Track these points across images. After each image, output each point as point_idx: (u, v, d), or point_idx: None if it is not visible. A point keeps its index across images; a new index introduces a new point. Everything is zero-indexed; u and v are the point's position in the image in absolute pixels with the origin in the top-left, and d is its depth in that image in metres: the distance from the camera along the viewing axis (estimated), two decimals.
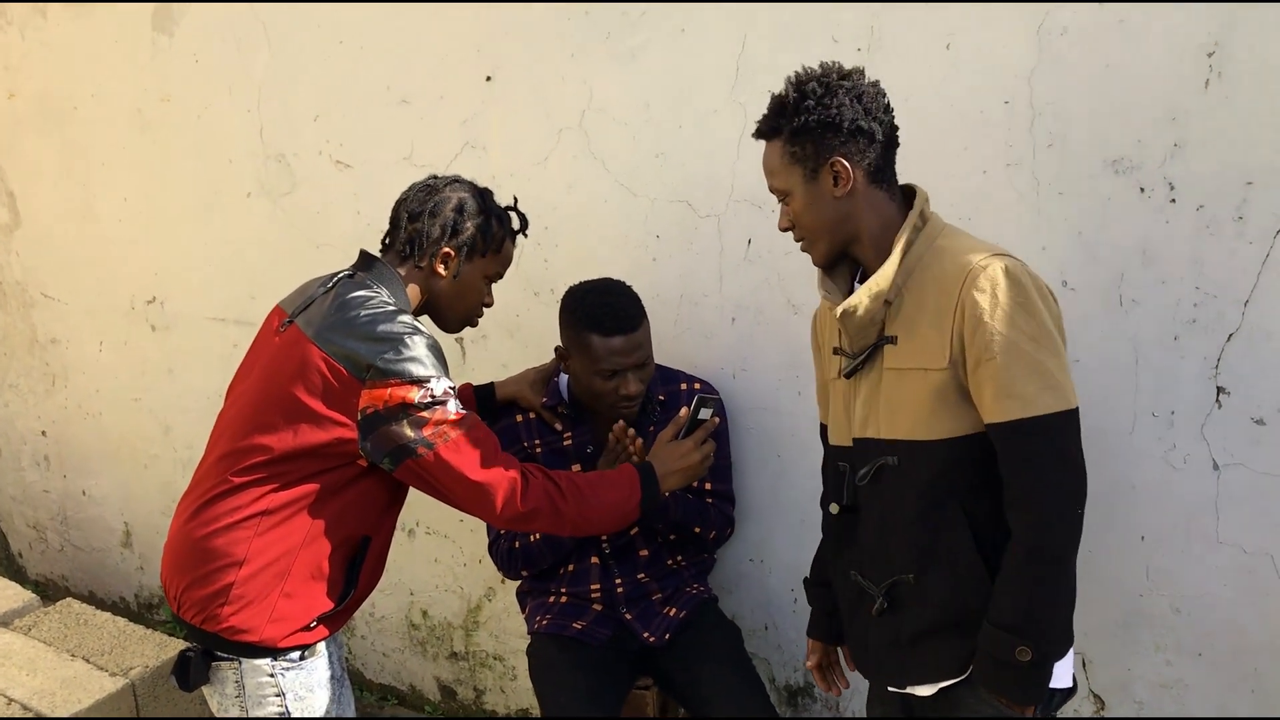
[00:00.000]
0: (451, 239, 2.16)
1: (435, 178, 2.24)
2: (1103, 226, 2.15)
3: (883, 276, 1.84)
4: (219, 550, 2.00)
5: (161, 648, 3.50)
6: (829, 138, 1.83)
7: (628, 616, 2.55)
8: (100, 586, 4.72)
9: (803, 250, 1.95)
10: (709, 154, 2.62)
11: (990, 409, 1.75)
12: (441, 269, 2.17)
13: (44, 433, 4.66)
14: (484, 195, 2.24)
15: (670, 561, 2.62)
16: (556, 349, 2.55)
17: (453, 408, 2.00)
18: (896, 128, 1.88)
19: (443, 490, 2.02)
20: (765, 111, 1.92)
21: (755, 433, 2.71)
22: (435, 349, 2.02)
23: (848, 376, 1.96)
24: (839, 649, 2.30)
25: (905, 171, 2.24)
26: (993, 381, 1.73)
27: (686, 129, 2.64)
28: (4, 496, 4.95)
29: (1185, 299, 2.09)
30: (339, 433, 1.97)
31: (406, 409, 1.95)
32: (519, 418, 2.62)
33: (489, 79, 2.94)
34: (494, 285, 2.29)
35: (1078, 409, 1.75)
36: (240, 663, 2.04)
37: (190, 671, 2.06)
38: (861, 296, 1.85)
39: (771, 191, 1.95)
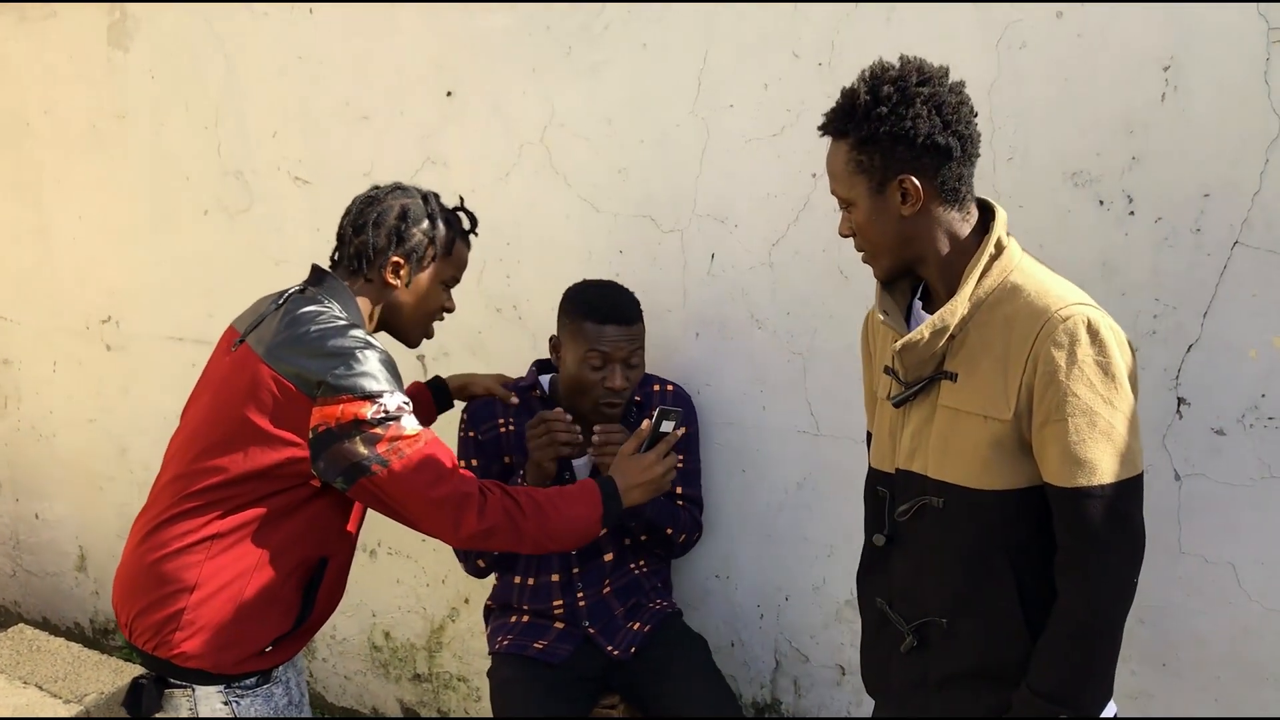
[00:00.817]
0: (399, 247, 2.12)
1: (377, 188, 2.20)
2: (1063, 239, 2.16)
3: (950, 312, 1.70)
4: (170, 575, 1.96)
5: (117, 674, 3.45)
6: (900, 151, 1.66)
7: (591, 631, 2.52)
8: (54, 612, 4.63)
9: (864, 261, 1.81)
10: (671, 169, 2.62)
11: (1055, 472, 1.65)
12: (393, 279, 2.13)
13: None
14: (428, 199, 2.19)
15: (634, 566, 2.60)
16: (551, 339, 2.53)
17: (408, 424, 1.95)
18: (978, 137, 1.74)
19: (398, 509, 1.98)
20: (835, 105, 1.74)
21: (720, 448, 2.70)
22: (388, 363, 1.98)
23: (897, 405, 1.83)
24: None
25: None
26: (1060, 443, 1.63)
27: (649, 144, 2.64)
28: None
29: (1145, 310, 2.11)
30: (290, 453, 1.93)
31: (359, 425, 1.90)
32: (501, 426, 2.59)
33: (449, 94, 2.93)
34: (455, 296, 2.26)
35: (1143, 473, 1.69)
36: (194, 690, 1.99)
37: (143, 699, 2.01)
38: (925, 331, 1.71)
39: (833, 194, 1.80)
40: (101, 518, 4.27)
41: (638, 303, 2.49)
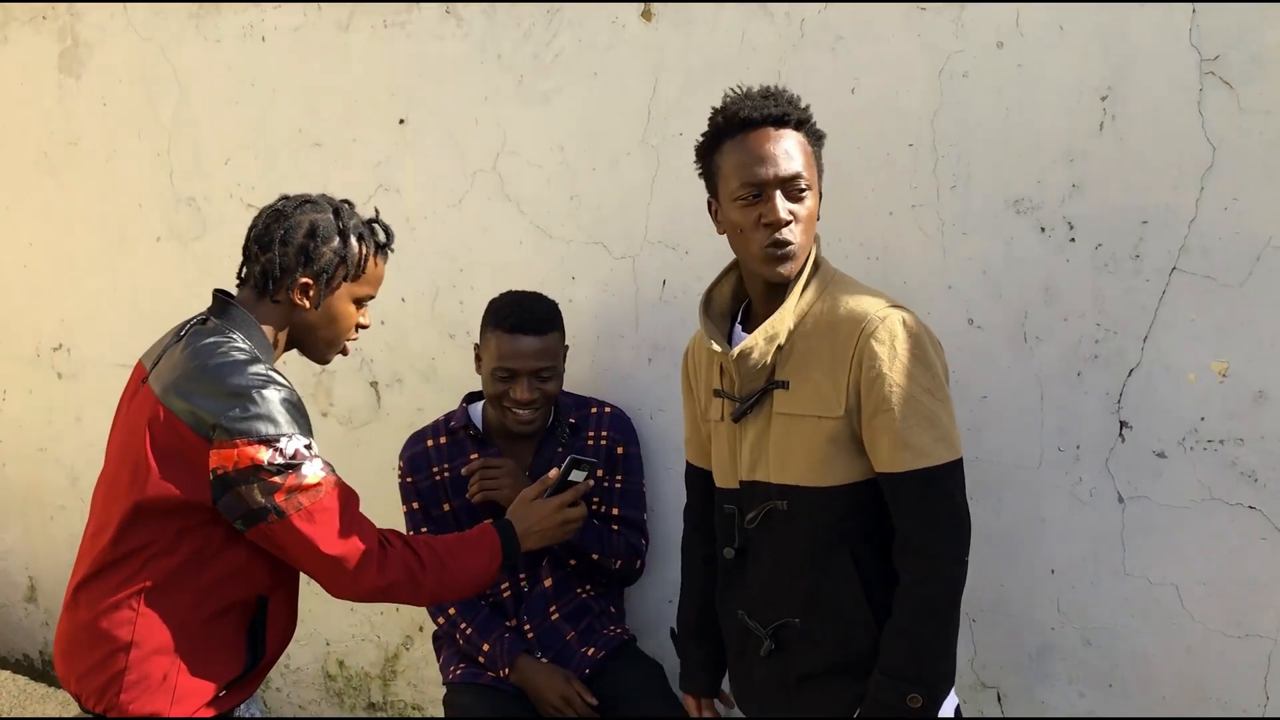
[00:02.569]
0: (306, 267, 1.98)
1: (285, 199, 2.07)
2: (1006, 265, 2.19)
3: (779, 320, 1.82)
4: (105, 634, 1.87)
5: (65, 706, 3.40)
6: (821, 154, 1.87)
7: (542, 659, 2.51)
8: (2, 644, 4.55)
9: (781, 256, 1.80)
10: (623, 196, 2.63)
11: (886, 459, 1.78)
12: (301, 300, 1.99)
13: None
14: (340, 212, 2.04)
15: (580, 590, 2.59)
16: (475, 348, 2.54)
17: (308, 471, 1.84)
18: None
19: (294, 560, 1.89)
20: (768, 95, 1.83)
21: (672, 473, 2.71)
22: (290, 403, 1.87)
23: (736, 420, 1.92)
24: (716, 700, 2.24)
25: None
26: (889, 432, 1.76)
27: (600, 171, 2.66)
28: None
29: (1087, 336, 2.14)
30: (192, 495, 1.82)
31: (256, 471, 1.80)
32: (429, 442, 2.59)
33: (402, 122, 2.94)
34: (366, 311, 2.11)
35: (962, 457, 1.81)
36: None
37: None
38: (758, 339, 1.82)
39: (784, 180, 1.79)
40: (52, 548, 4.21)
41: (554, 312, 2.48)
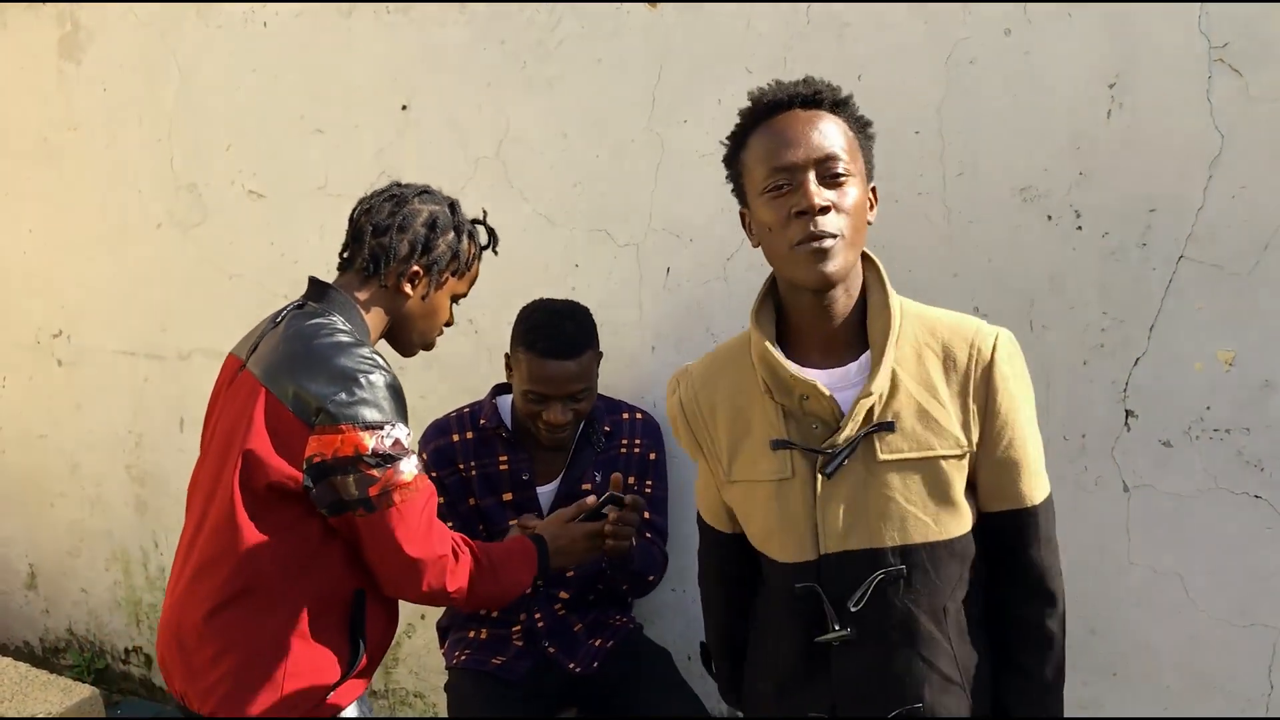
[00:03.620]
0: (422, 257, 1.96)
1: (401, 187, 2.04)
2: (1012, 254, 2.18)
3: (890, 346, 1.56)
4: (211, 634, 1.81)
5: (66, 693, 3.38)
6: (870, 151, 1.61)
7: (550, 650, 2.51)
8: (1, 631, 4.55)
9: (821, 249, 1.48)
10: (627, 183, 2.62)
11: (1019, 493, 1.60)
12: (409, 289, 1.97)
13: None
14: (454, 208, 2.05)
15: (592, 596, 2.59)
16: (506, 356, 2.48)
17: (405, 468, 1.79)
18: None
19: (370, 554, 1.83)
20: (810, 80, 1.57)
21: (675, 461, 2.70)
22: (394, 389, 1.82)
23: (830, 475, 1.57)
24: None
25: None
26: (1023, 462, 1.59)
27: (604, 158, 2.64)
28: None
29: (1093, 324, 2.13)
30: (291, 483, 1.77)
31: (356, 462, 1.74)
32: (455, 437, 2.52)
33: (405, 108, 2.92)
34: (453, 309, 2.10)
35: None
36: None
37: None
38: (883, 372, 1.54)
39: (817, 162, 1.51)
40: (52, 535, 4.21)
41: (589, 329, 2.39)
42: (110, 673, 4.18)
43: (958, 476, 1.57)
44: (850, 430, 1.54)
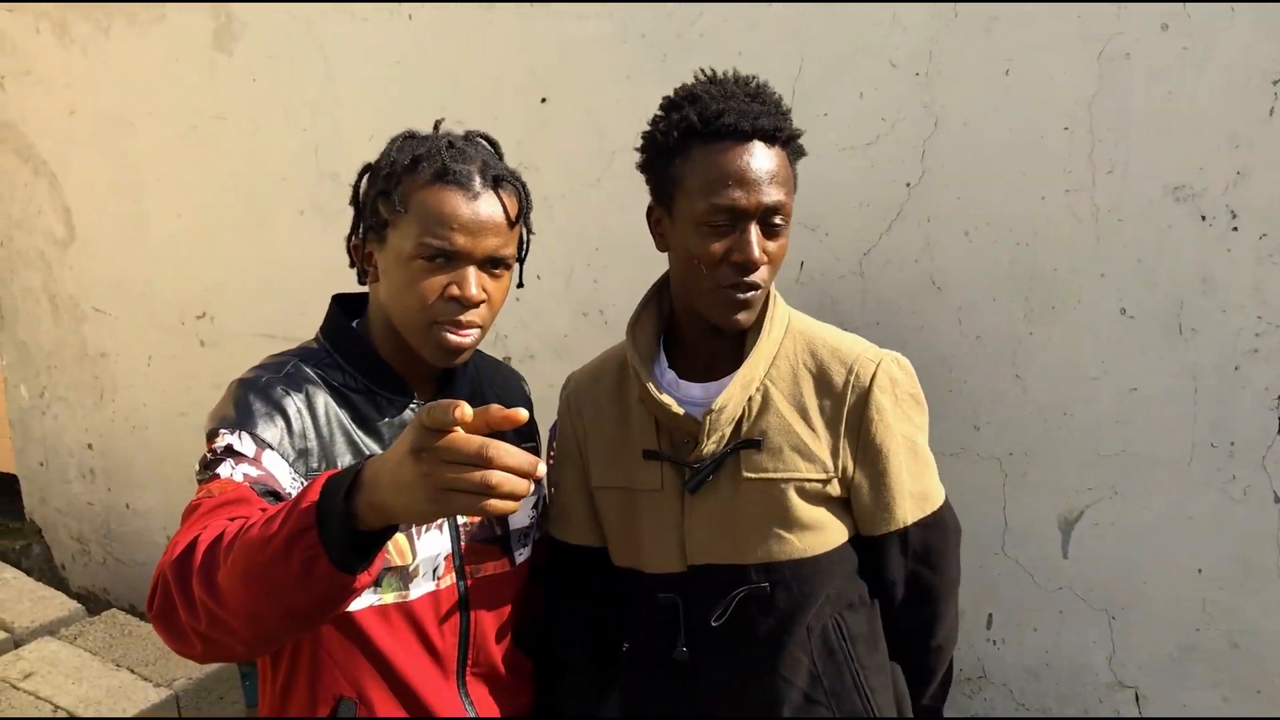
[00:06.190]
0: (360, 223, 1.64)
1: None
2: (1162, 254, 2.13)
3: (753, 367, 1.56)
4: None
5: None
6: (796, 178, 1.58)
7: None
8: (141, 600, 4.73)
9: (742, 302, 1.51)
10: None
11: (897, 513, 1.60)
12: (366, 272, 1.65)
13: (90, 446, 4.71)
14: (393, 143, 1.65)
15: None
16: None
17: (224, 472, 1.45)
18: None
19: None
20: (749, 99, 1.52)
21: None
22: (251, 390, 1.58)
23: (694, 490, 1.57)
24: None
25: (961, 195, 2.25)
26: (897, 483, 1.59)
27: None
28: (49, 509, 5.00)
29: (1246, 328, 2.07)
30: None
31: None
32: None
33: (544, 100, 2.96)
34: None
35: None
36: None
37: None
38: (733, 393, 1.54)
39: (764, 208, 1.49)
40: None
41: None
42: None
43: (824, 495, 1.57)
44: (713, 446, 1.55)
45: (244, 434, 1.49)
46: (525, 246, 1.67)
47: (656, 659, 1.66)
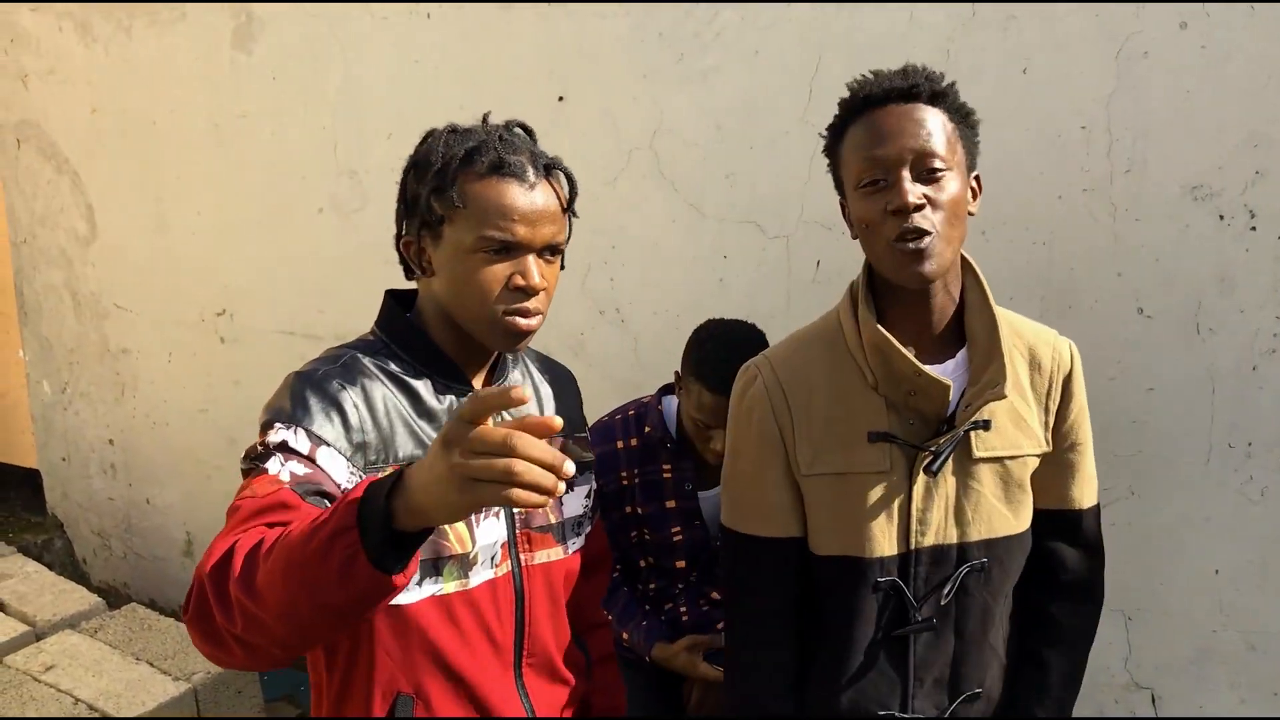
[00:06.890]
0: (407, 219, 1.62)
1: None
2: (1180, 253, 2.12)
3: (1002, 343, 1.54)
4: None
5: None
6: (974, 148, 1.55)
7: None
8: (161, 595, 4.78)
9: (918, 249, 1.45)
10: (779, 175, 2.62)
11: (1072, 496, 1.67)
12: (425, 266, 1.61)
13: (111, 441, 4.75)
14: (434, 136, 1.61)
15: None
16: (676, 373, 2.34)
17: (272, 467, 1.42)
18: None
19: None
20: (906, 70, 1.53)
21: None
22: (308, 384, 1.54)
23: (935, 473, 1.57)
24: None
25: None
26: (1081, 466, 1.67)
27: (757, 150, 2.65)
28: (70, 503, 5.04)
29: (1265, 328, 2.06)
30: None
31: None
32: (619, 444, 2.40)
33: (561, 99, 2.97)
34: (527, 261, 1.55)
35: None
36: None
37: None
38: (1010, 380, 1.54)
39: (915, 157, 1.47)
40: (209, 505, 4.40)
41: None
42: None
43: (1028, 473, 1.63)
44: (960, 427, 1.55)
45: (299, 429, 1.49)
46: (569, 232, 1.68)
47: (867, 641, 1.64)
